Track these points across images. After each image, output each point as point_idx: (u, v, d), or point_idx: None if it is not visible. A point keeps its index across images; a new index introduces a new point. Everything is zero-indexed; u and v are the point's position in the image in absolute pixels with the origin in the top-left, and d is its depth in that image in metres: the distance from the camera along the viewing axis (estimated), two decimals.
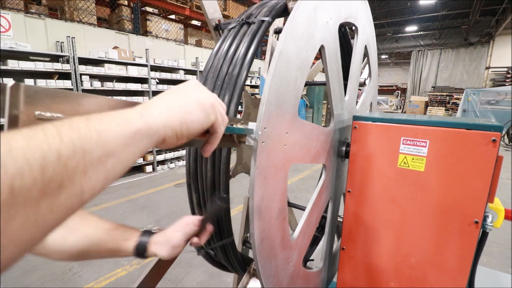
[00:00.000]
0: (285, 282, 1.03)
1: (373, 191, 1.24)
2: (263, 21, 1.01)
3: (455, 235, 1.08)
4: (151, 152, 6.19)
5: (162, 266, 1.30)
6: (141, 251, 0.73)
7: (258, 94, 9.32)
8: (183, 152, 6.92)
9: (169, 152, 6.58)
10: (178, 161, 6.85)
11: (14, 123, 0.41)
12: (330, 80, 1.16)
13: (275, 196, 0.85)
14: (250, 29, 1.01)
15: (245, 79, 0.93)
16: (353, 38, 1.59)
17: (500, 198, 1.14)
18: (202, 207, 0.99)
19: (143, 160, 6.09)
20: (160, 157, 6.36)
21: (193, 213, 1.03)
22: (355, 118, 1.24)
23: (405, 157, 1.14)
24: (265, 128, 0.74)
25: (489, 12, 13.83)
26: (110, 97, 0.53)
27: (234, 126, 0.66)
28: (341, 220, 1.67)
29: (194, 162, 0.95)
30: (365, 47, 1.57)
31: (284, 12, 1.07)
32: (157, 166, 6.36)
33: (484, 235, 1.09)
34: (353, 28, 1.43)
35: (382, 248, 1.26)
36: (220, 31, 1.37)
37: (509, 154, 8.77)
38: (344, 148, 1.39)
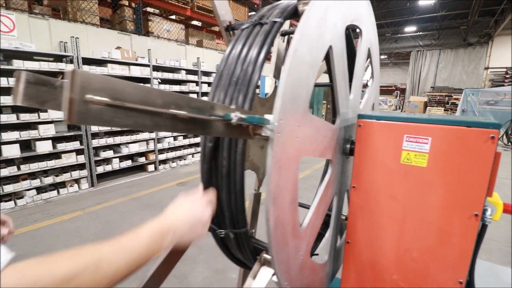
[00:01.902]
0: (294, 270, 1.08)
1: (377, 186, 1.30)
2: (275, 22, 1.06)
3: (456, 227, 1.13)
4: (153, 151, 6.24)
5: (169, 262, 1.35)
6: None
7: (258, 94, 9.35)
8: (184, 152, 6.97)
9: (171, 152, 6.63)
10: (180, 160, 6.90)
11: (72, 104, 0.46)
12: (337, 79, 1.21)
13: (288, 186, 0.91)
14: (263, 29, 1.07)
15: (259, 77, 0.98)
16: (356, 38, 1.65)
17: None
18: (218, 196, 1.04)
19: (146, 159, 6.14)
20: (162, 157, 6.41)
21: None
22: (360, 116, 1.30)
23: (408, 153, 1.20)
24: (281, 120, 0.80)
25: (488, 12, 13.93)
26: (147, 85, 0.60)
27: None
28: (343, 217, 1.73)
29: (211, 151, 1.01)
30: (368, 49, 1.63)
31: (294, 14, 1.13)
32: (159, 165, 6.41)
33: (483, 228, 1.15)
34: (358, 30, 1.48)
35: (385, 241, 1.31)
36: (231, 32, 1.43)
37: (508, 155, 8.84)
38: (348, 146, 1.44)
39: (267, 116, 0.80)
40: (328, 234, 1.53)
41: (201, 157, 1.08)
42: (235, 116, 0.70)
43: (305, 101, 0.95)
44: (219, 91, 1.04)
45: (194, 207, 0.73)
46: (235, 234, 1.05)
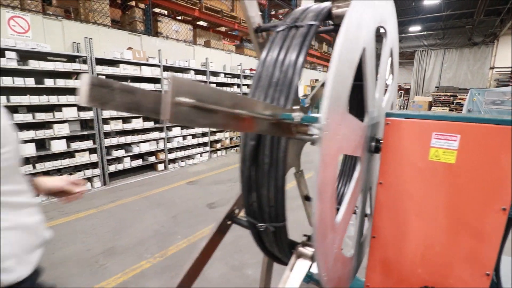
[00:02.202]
0: (330, 263, 1.13)
1: (404, 182, 1.34)
2: (311, 24, 1.11)
3: (484, 222, 1.17)
4: (162, 150, 6.30)
5: (199, 264, 1.40)
6: None
7: None
8: (193, 151, 7.03)
9: (180, 151, 6.70)
10: (188, 159, 6.96)
11: (171, 106, 0.52)
12: (368, 79, 1.26)
13: (329, 182, 0.96)
14: (300, 32, 1.12)
15: (299, 78, 1.03)
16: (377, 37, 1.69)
17: None
18: (256, 191, 1.09)
19: (156, 158, 6.21)
20: (171, 156, 6.48)
21: (248, 196, 1.13)
22: (388, 114, 1.34)
23: (437, 150, 1.24)
24: (328, 119, 0.85)
25: (493, 12, 13.88)
26: (218, 88, 0.64)
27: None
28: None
29: (253, 150, 1.05)
30: (391, 49, 1.67)
31: (328, 16, 1.17)
32: (169, 164, 6.47)
33: (510, 222, 1.19)
34: (382, 31, 1.53)
35: (411, 235, 1.35)
36: (260, 34, 1.48)
37: None
38: (373, 144, 1.48)
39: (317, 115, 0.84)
40: (354, 229, 1.58)
41: (241, 155, 1.12)
42: (298, 116, 0.75)
43: (345, 101, 1.00)
44: (259, 92, 1.09)
45: None
46: (275, 228, 1.10)
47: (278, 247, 1.21)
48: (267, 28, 1.45)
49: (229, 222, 1.50)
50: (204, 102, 0.59)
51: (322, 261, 1.02)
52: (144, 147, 5.84)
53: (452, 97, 16.23)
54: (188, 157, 6.97)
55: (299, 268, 1.14)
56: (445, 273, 1.32)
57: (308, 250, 1.18)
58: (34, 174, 4.44)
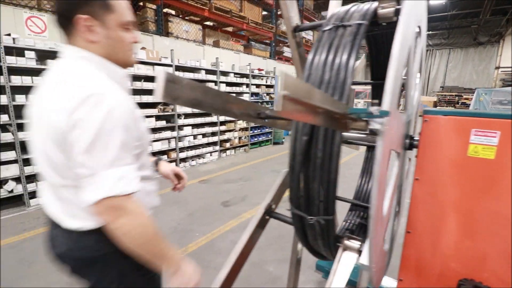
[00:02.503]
0: (376, 255, 1.17)
1: (441, 177, 1.37)
2: (360, 24, 1.15)
3: None
4: (174, 149, 6.36)
5: (238, 264, 1.43)
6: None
7: (273, 93, 9.44)
8: (203, 150, 7.08)
9: (191, 150, 6.75)
10: (199, 158, 7.01)
11: (282, 100, 0.56)
12: (409, 78, 1.30)
13: (384, 176, 1.00)
14: (349, 31, 1.15)
15: (352, 77, 1.07)
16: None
17: None
18: (306, 185, 1.13)
19: (167, 157, 6.26)
20: (183, 155, 6.53)
21: (297, 190, 1.17)
22: (426, 112, 1.38)
23: (476, 146, 1.28)
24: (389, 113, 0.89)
25: (499, 11, 13.87)
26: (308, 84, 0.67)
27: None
28: None
29: (305, 144, 1.09)
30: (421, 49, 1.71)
31: (374, 16, 1.21)
32: (180, 163, 6.52)
33: None
34: (417, 30, 1.56)
35: (446, 230, 1.39)
36: (297, 34, 1.52)
37: None
38: (408, 141, 1.52)
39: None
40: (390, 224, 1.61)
41: (291, 150, 1.15)
42: (376, 110, 0.79)
43: (397, 97, 1.04)
44: None
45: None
46: (325, 221, 1.14)
47: (323, 240, 1.25)
48: (306, 28, 1.49)
49: (267, 217, 1.54)
50: (299, 96, 0.63)
51: (373, 253, 1.06)
52: (157, 146, 5.90)
53: (457, 97, 16.23)
54: (199, 156, 7.02)
55: (347, 260, 1.18)
56: (480, 266, 1.35)
57: (355, 243, 1.22)
58: None
